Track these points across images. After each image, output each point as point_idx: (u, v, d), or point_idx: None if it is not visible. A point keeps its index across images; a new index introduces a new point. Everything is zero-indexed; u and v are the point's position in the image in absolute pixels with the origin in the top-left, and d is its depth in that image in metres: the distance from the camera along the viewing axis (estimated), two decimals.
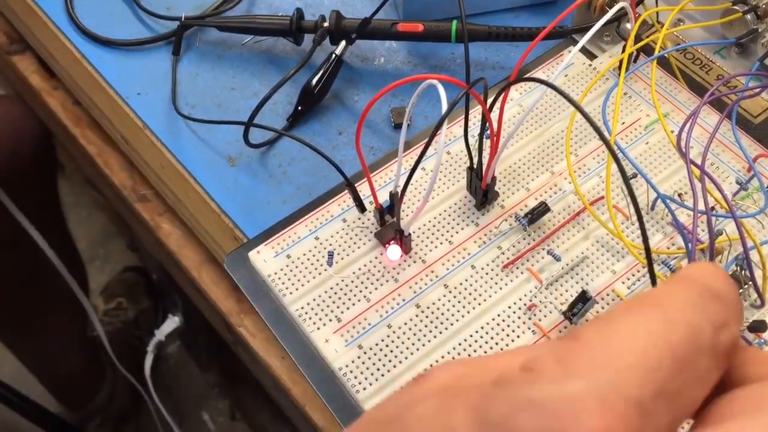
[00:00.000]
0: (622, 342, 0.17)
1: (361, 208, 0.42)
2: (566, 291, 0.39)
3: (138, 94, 0.52)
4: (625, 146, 0.44)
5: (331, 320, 0.39)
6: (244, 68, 0.53)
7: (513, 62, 0.52)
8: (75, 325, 1.05)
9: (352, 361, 0.38)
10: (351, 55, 0.53)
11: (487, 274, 0.40)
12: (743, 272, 0.38)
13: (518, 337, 0.38)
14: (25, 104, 0.82)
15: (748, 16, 0.46)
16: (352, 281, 0.40)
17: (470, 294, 0.40)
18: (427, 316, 0.39)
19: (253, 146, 0.48)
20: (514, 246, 0.41)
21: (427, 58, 0.53)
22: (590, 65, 0.48)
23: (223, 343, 0.72)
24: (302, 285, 0.40)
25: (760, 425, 0.17)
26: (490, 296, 0.39)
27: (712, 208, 0.39)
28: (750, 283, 0.38)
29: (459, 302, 0.39)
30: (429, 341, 0.38)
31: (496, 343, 0.38)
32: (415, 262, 0.41)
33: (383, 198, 0.41)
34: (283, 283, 0.40)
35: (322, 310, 0.40)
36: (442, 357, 0.38)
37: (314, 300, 0.40)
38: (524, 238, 0.41)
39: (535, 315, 0.39)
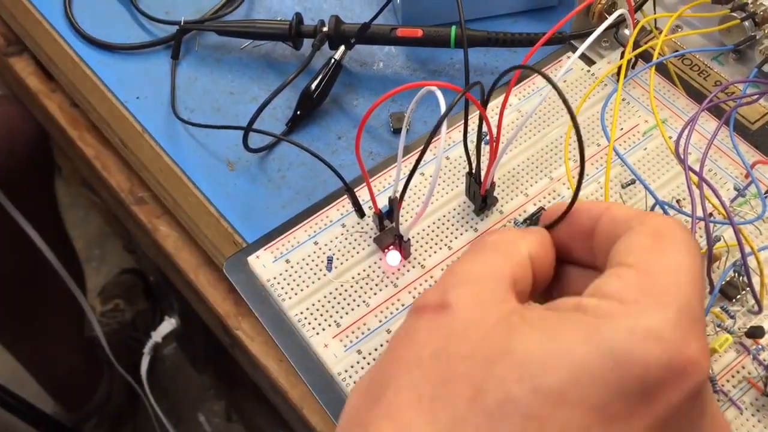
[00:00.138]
0: (678, 274, 0.24)
1: (360, 213, 0.42)
2: None
3: (137, 98, 0.52)
4: (623, 152, 0.44)
5: (330, 325, 0.39)
6: (243, 73, 0.53)
7: None
8: (72, 326, 1.05)
9: (351, 366, 0.38)
10: (350, 60, 0.53)
11: None
12: (741, 278, 0.38)
13: None
14: (21, 104, 0.82)
15: (746, 23, 0.46)
16: (351, 286, 0.40)
17: None
18: None
19: (253, 151, 0.48)
20: None
21: (426, 63, 0.53)
22: (589, 71, 0.48)
23: (219, 345, 0.72)
24: (301, 290, 0.40)
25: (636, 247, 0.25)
26: None
27: (710, 215, 0.39)
28: (748, 289, 0.38)
29: None
30: None
31: None
32: (414, 267, 0.41)
33: (382, 203, 0.41)
34: (282, 288, 0.41)
35: (321, 315, 0.40)
36: None
37: (313, 305, 0.40)
38: None
39: None
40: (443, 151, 0.44)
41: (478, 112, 0.37)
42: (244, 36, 0.53)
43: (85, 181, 1.07)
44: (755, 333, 0.37)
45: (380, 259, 0.41)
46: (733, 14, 0.46)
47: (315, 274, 0.41)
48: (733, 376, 0.37)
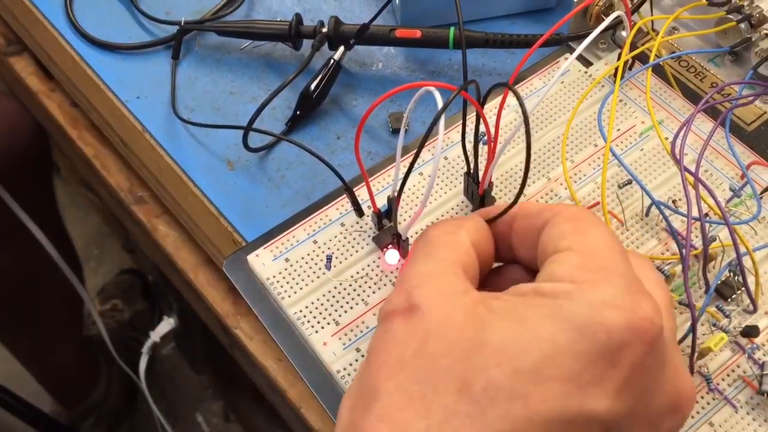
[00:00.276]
0: (607, 249, 0.28)
1: (359, 212, 0.43)
2: None
3: (137, 97, 0.53)
4: (620, 153, 0.45)
5: (329, 323, 0.40)
6: (243, 73, 0.54)
7: (509, 68, 0.53)
8: (71, 324, 1.05)
9: (350, 364, 0.38)
10: (349, 61, 0.53)
11: None
12: (736, 278, 0.39)
13: None
14: (19, 101, 0.82)
15: (742, 25, 0.46)
16: (350, 285, 0.41)
17: None
18: None
19: (252, 150, 0.48)
20: None
21: (424, 64, 0.53)
22: (586, 72, 0.49)
23: (217, 345, 0.72)
24: (301, 288, 0.41)
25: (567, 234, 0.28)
26: None
27: (706, 215, 0.40)
28: (743, 288, 0.38)
29: None
30: None
31: None
32: None
33: (381, 202, 0.42)
34: (281, 287, 0.41)
35: (321, 313, 0.40)
36: None
37: (312, 303, 0.40)
38: None
39: None
40: (441, 151, 0.45)
41: (476, 112, 0.37)
42: (244, 36, 0.54)
43: (83, 180, 1.07)
44: (750, 332, 0.38)
45: (379, 258, 0.41)
46: (729, 16, 0.47)
47: (314, 272, 0.41)
48: (728, 375, 0.37)
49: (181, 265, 0.55)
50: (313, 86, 0.50)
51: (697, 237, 0.41)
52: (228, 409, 1.17)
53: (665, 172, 0.44)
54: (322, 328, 0.39)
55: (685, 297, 0.38)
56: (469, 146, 0.41)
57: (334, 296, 0.40)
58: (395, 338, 0.26)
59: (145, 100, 0.53)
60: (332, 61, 0.50)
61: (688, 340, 0.36)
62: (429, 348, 0.25)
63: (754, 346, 0.38)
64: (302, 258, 0.42)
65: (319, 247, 0.42)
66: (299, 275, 0.41)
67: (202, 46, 0.55)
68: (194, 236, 0.52)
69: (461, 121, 0.40)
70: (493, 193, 0.43)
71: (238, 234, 0.46)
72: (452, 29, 0.50)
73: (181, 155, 0.50)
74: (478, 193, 0.41)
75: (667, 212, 0.40)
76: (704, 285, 0.39)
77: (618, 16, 0.41)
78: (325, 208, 0.44)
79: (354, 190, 0.42)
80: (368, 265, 0.41)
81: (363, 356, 0.39)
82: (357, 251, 0.42)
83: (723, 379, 0.37)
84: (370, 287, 0.41)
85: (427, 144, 0.34)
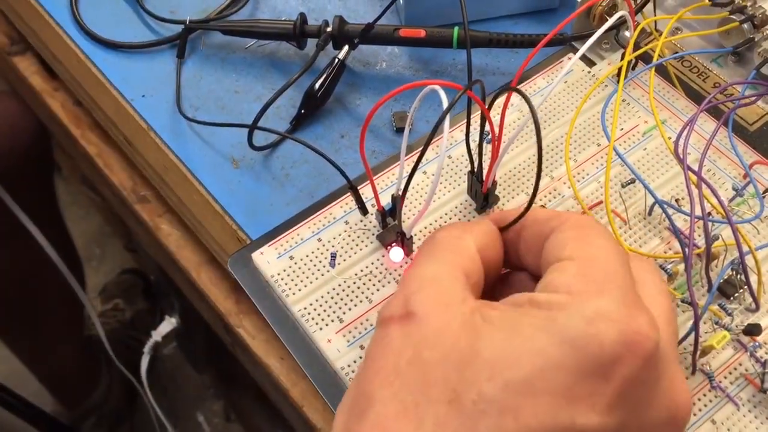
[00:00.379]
0: (609, 260, 0.27)
1: (364, 210, 0.43)
2: None
3: (142, 96, 0.53)
4: (623, 152, 0.45)
5: (333, 321, 0.40)
6: (248, 72, 0.54)
7: (513, 68, 0.53)
8: (72, 324, 1.05)
9: (354, 361, 0.39)
10: (353, 60, 0.54)
11: None
12: (739, 276, 0.39)
13: None
14: (21, 100, 0.82)
15: (745, 26, 0.47)
16: (354, 282, 0.41)
17: None
18: None
19: (257, 149, 0.49)
20: None
21: (428, 64, 0.54)
22: (589, 72, 0.49)
23: (219, 344, 0.72)
24: (305, 286, 0.41)
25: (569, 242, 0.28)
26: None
27: (709, 214, 0.40)
28: (745, 287, 0.39)
29: None
30: None
31: None
32: None
33: (385, 201, 0.42)
34: (286, 284, 0.41)
35: (325, 310, 0.40)
36: None
37: (317, 301, 0.40)
38: None
39: None
40: (446, 149, 0.45)
41: (480, 111, 0.37)
42: (248, 35, 0.54)
43: (85, 179, 1.07)
44: (752, 330, 0.38)
45: (383, 256, 0.42)
46: (732, 17, 0.47)
47: (318, 270, 0.41)
48: (730, 373, 0.38)
49: (183, 264, 0.55)
50: (317, 85, 0.50)
51: (699, 236, 0.41)
52: (229, 409, 1.17)
53: (668, 171, 0.44)
54: (327, 325, 0.40)
55: (687, 295, 0.38)
56: (473, 145, 0.41)
57: (338, 294, 0.40)
58: (391, 345, 0.26)
59: (150, 98, 0.53)
60: (337, 60, 0.51)
61: (691, 338, 0.36)
62: (424, 357, 0.26)
63: (756, 344, 0.38)
64: (306, 256, 0.42)
65: (324, 245, 0.42)
66: (303, 273, 0.41)
67: (207, 45, 0.56)
68: (198, 234, 0.52)
69: (465, 120, 0.40)
70: (496, 192, 0.43)
71: (243, 232, 0.46)
72: (456, 29, 0.50)
73: (186, 153, 0.50)
74: (481, 191, 0.42)
75: (670, 211, 0.40)
76: (707, 283, 0.39)
77: (622, 16, 0.41)
78: (329, 206, 0.44)
79: (358, 188, 0.43)
80: (372, 263, 0.41)
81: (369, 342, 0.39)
82: (361, 249, 0.42)
83: (725, 377, 0.37)
84: (374, 285, 0.41)
85: (430, 143, 0.34)
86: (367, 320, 0.40)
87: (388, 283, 0.41)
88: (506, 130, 0.46)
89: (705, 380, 0.37)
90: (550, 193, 0.44)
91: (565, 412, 0.24)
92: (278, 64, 0.54)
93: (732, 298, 0.39)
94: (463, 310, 0.27)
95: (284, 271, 0.41)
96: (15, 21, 0.66)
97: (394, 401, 0.25)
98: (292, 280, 0.41)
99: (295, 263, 0.42)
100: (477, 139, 0.40)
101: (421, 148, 0.34)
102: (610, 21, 0.39)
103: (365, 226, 0.43)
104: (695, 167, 0.37)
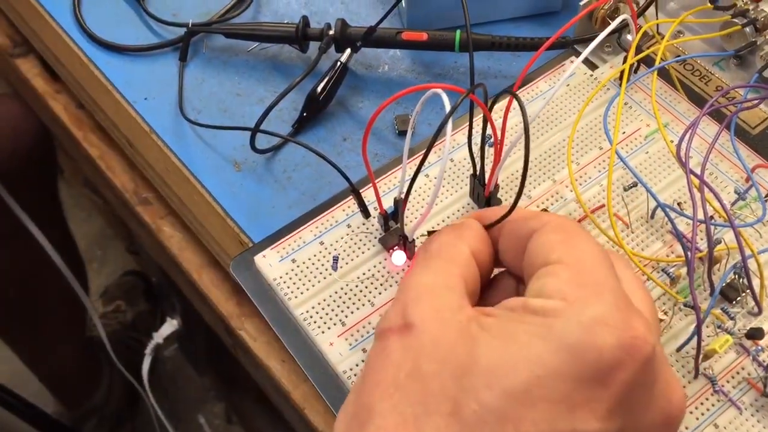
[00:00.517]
0: (597, 263, 0.27)
1: (366, 213, 0.43)
2: None
3: (145, 99, 0.53)
4: (625, 155, 0.45)
5: (335, 324, 0.40)
6: (250, 75, 0.54)
7: (515, 71, 0.53)
8: (74, 325, 1.05)
9: (356, 365, 0.39)
10: (356, 63, 0.54)
11: None
12: (741, 280, 0.39)
13: None
14: (24, 103, 0.82)
15: (747, 29, 0.47)
16: (357, 286, 0.41)
17: None
18: None
19: (259, 152, 0.49)
20: None
21: (430, 67, 0.54)
22: (591, 75, 0.49)
23: (220, 346, 0.72)
24: (307, 289, 0.41)
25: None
26: None
27: (711, 217, 0.40)
28: (748, 291, 0.39)
29: None
30: None
31: None
32: None
33: (387, 204, 0.42)
34: (288, 287, 0.41)
35: (327, 314, 0.40)
36: None
37: (319, 304, 0.40)
38: None
39: None
40: (448, 153, 0.45)
41: (482, 114, 0.37)
42: (251, 38, 0.54)
43: (87, 181, 1.07)
44: (755, 334, 0.38)
45: (385, 259, 0.42)
46: (735, 20, 0.47)
47: (321, 273, 0.41)
48: (733, 377, 0.37)
49: (185, 266, 0.55)
50: (319, 88, 0.50)
51: (702, 239, 0.41)
52: (230, 411, 1.17)
53: (670, 174, 0.44)
54: (329, 328, 0.40)
55: (690, 299, 0.38)
56: (476, 148, 0.41)
57: (340, 297, 0.40)
58: (390, 357, 0.27)
59: (152, 101, 0.53)
60: (339, 63, 0.51)
61: (693, 342, 0.36)
62: (422, 368, 0.26)
63: (759, 348, 0.38)
64: (309, 259, 0.42)
65: (326, 248, 0.42)
66: (306, 276, 0.41)
67: (209, 48, 0.56)
68: (200, 237, 0.52)
69: (467, 124, 0.40)
70: (498, 195, 0.43)
71: (245, 235, 0.46)
72: (458, 32, 0.50)
73: (188, 156, 0.50)
74: (484, 195, 0.42)
75: (673, 215, 0.40)
76: (709, 287, 0.39)
77: (624, 20, 0.41)
78: (331, 209, 0.44)
79: (360, 191, 0.43)
80: (374, 266, 0.41)
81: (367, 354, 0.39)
82: (363, 252, 0.42)
83: (728, 381, 0.37)
84: (376, 288, 0.41)
85: (433, 146, 0.34)
86: (369, 323, 0.40)
87: (390, 286, 0.41)
88: (508, 134, 0.45)
89: (707, 384, 0.37)
90: (552, 197, 0.44)
91: (564, 420, 0.24)
92: (280, 67, 0.54)
93: (734, 302, 0.39)
94: (460, 319, 0.27)
95: (286, 274, 0.41)
96: (17, 23, 0.66)
97: (394, 413, 0.25)
98: (294, 283, 0.41)
99: (297, 266, 0.42)
100: (479, 142, 0.40)
101: (423, 151, 0.34)
102: (613, 24, 0.39)
103: (367, 229, 0.43)
104: (697, 171, 0.37)
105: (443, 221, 0.43)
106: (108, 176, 0.60)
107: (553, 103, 0.47)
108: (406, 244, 0.40)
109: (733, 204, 0.42)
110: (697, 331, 0.35)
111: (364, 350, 0.39)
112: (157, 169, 0.53)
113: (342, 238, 0.43)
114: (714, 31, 0.48)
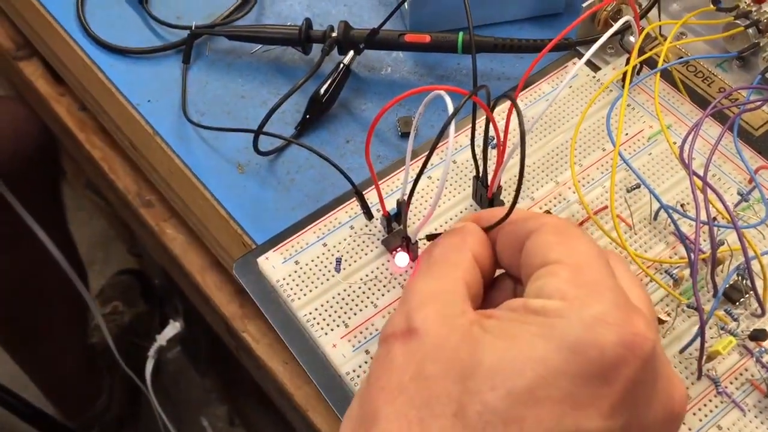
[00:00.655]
0: (594, 263, 0.28)
1: (369, 215, 0.43)
2: None
3: (148, 101, 0.53)
4: (628, 157, 0.45)
5: (338, 325, 0.40)
6: (253, 77, 0.54)
7: (517, 73, 0.53)
8: (75, 332, 1.05)
9: (360, 366, 0.39)
10: (358, 65, 0.54)
11: None
12: (744, 282, 0.39)
13: None
14: (27, 105, 0.82)
15: (750, 31, 0.47)
16: (360, 287, 0.41)
17: None
18: None
19: (262, 154, 0.49)
20: None
21: (433, 69, 0.54)
22: (594, 77, 0.49)
23: (223, 348, 0.72)
24: (310, 291, 0.41)
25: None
26: None
27: (714, 219, 0.40)
28: (751, 292, 0.39)
29: None
30: None
31: None
32: None
33: (390, 206, 0.42)
34: (291, 289, 0.41)
35: (330, 315, 0.40)
36: None
37: (322, 305, 0.40)
38: None
39: None
40: (451, 154, 0.45)
41: (485, 116, 0.37)
42: (254, 41, 0.54)
43: (89, 183, 1.08)
44: (758, 336, 0.38)
45: (388, 261, 0.42)
46: (737, 22, 0.47)
47: (324, 275, 0.41)
48: (736, 378, 0.37)
49: (188, 268, 0.56)
50: (322, 90, 0.50)
51: (705, 241, 0.41)
52: (233, 413, 1.17)
53: (673, 176, 0.44)
54: (332, 330, 0.40)
55: (693, 300, 0.38)
56: (478, 150, 0.41)
57: (343, 299, 0.41)
58: (394, 362, 0.27)
59: (156, 103, 0.53)
60: (342, 65, 0.51)
61: (697, 344, 0.36)
62: (426, 372, 0.26)
63: (762, 349, 0.38)
64: (312, 261, 0.42)
65: (329, 250, 0.42)
66: (309, 278, 0.41)
67: (213, 50, 0.56)
68: (203, 239, 0.52)
69: (470, 125, 0.40)
70: (501, 197, 0.43)
71: (248, 237, 0.46)
72: (461, 34, 0.50)
73: (191, 158, 0.50)
74: (487, 196, 0.42)
75: (676, 216, 0.40)
76: (712, 288, 0.39)
77: (626, 22, 0.41)
78: (334, 211, 0.44)
79: (363, 193, 0.43)
80: (377, 268, 0.41)
81: (372, 358, 0.39)
82: (366, 254, 0.42)
83: (731, 383, 0.37)
84: (379, 290, 0.41)
85: (436, 147, 0.34)
86: (372, 325, 0.40)
87: (393, 288, 0.41)
88: (511, 135, 0.45)
89: (711, 386, 0.37)
90: (555, 198, 0.44)
91: (569, 418, 0.24)
92: (284, 70, 0.55)
93: (738, 304, 0.39)
94: (462, 322, 0.27)
95: (289, 275, 0.41)
96: (21, 26, 0.66)
97: (399, 417, 0.25)
98: (297, 284, 0.41)
99: (300, 268, 0.42)
100: (482, 144, 0.40)
101: (426, 153, 0.34)
102: (615, 26, 0.39)
103: (370, 231, 0.43)
104: (700, 172, 0.37)
105: (446, 223, 0.43)
106: (111, 178, 0.60)
107: (556, 104, 0.47)
108: (409, 245, 0.40)
109: (736, 205, 0.42)
110: (701, 333, 0.35)
111: (367, 352, 0.39)
112: (160, 171, 0.53)
113: (345, 239, 0.43)
114: (717, 32, 0.48)
